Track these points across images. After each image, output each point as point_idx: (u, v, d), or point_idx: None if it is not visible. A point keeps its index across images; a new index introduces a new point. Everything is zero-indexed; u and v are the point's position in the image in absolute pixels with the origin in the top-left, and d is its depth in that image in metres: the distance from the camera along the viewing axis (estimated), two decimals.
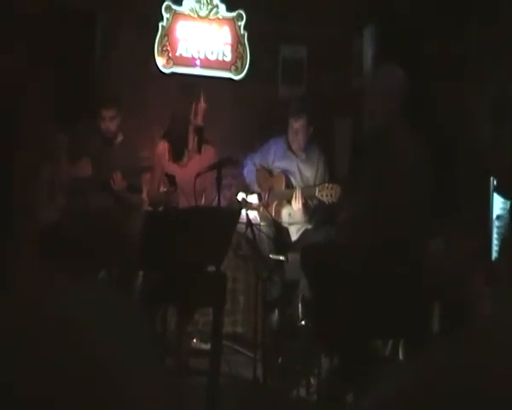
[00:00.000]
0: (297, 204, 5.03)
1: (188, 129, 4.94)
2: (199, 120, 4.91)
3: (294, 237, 5.21)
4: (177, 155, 5.01)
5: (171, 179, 4.68)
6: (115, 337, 0.65)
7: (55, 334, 0.61)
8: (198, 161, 4.85)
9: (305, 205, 5.04)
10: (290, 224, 5.22)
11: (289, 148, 5.38)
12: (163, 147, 5.01)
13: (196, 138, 4.94)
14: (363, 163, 4.13)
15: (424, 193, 3.77)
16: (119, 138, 5.24)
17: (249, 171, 5.46)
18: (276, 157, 5.39)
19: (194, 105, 4.91)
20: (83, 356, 0.61)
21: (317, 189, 4.95)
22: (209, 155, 4.93)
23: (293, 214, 5.19)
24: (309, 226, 5.19)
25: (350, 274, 3.61)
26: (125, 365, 0.63)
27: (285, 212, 5.23)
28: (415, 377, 0.60)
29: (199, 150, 4.94)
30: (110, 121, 5.12)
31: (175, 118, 5.03)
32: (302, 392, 4.30)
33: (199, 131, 4.89)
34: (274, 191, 5.29)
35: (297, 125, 5.26)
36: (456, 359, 0.59)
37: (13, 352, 0.60)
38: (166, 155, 5.00)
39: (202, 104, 4.93)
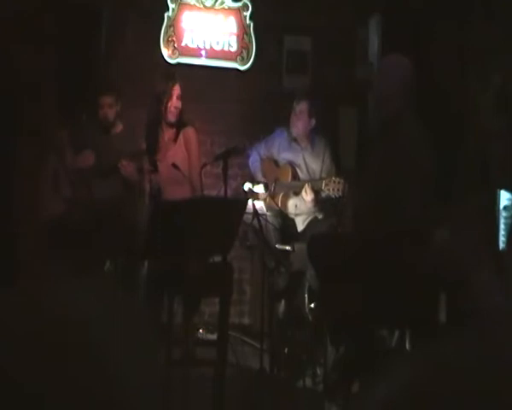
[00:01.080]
0: (307, 197, 5.02)
1: (160, 125, 4.93)
2: (174, 114, 4.87)
3: (301, 227, 5.21)
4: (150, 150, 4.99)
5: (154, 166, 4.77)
6: (118, 332, 0.64)
7: (59, 328, 0.61)
8: (174, 151, 4.89)
9: (315, 197, 5.02)
10: (296, 215, 5.22)
11: (293, 139, 5.36)
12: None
13: (174, 128, 4.94)
14: (369, 153, 4.11)
15: (431, 182, 3.76)
16: (119, 127, 5.22)
17: (254, 161, 5.45)
18: (281, 148, 5.38)
19: (168, 94, 4.86)
20: (85, 351, 0.60)
21: (324, 183, 4.93)
22: (187, 136, 4.94)
23: (299, 205, 5.18)
24: (316, 216, 5.18)
25: (356, 264, 3.60)
26: (127, 358, 0.63)
27: (291, 203, 5.22)
28: (418, 373, 0.59)
29: (175, 140, 4.93)
30: (108, 108, 5.09)
31: (151, 113, 5.01)
32: (308, 382, 4.30)
33: (176, 124, 4.86)
34: (280, 183, 5.28)
35: (299, 107, 5.25)
36: (460, 356, 0.59)
37: (19, 345, 0.60)
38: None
39: (177, 92, 4.89)
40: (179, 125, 4.96)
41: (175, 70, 5.63)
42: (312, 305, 4.64)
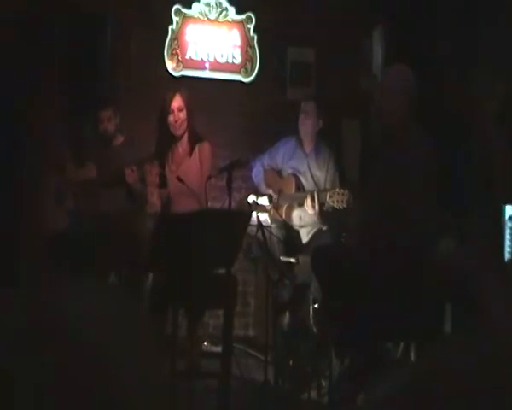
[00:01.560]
0: (312, 208, 5.01)
1: (167, 140, 4.86)
2: (177, 127, 4.78)
3: (305, 239, 5.21)
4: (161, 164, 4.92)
5: (162, 181, 4.72)
6: (121, 337, 0.64)
7: (64, 335, 0.61)
8: (189, 164, 4.83)
9: (319, 209, 5.02)
10: (301, 226, 5.21)
11: (299, 142, 5.38)
12: (153, 169, 4.92)
13: (187, 139, 4.85)
14: (373, 164, 4.11)
15: (435, 191, 3.76)
16: (119, 139, 5.24)
17: (257, 173, 5.46)
18: (286, 158, 5.39)
19: (166, 108, 4.76)
20: (89, 356, 0.60)
21: (328, 194, 4.93)
22: (201, 153, 4.87)
23: (303, 217, 5.18)
24: (321, 228, 5.17)
25: (361, 275, 3.59)
26: (129, 366, 0.63)
27: (296, 214, 5.22)
28: (415, 378, 0.59)
29: (190, 153, 4.86)
30: (107, 122, 5.13)
31: (158, 131, 4.93)
32: (313, 394, 4.29)
33: (185, 136, 4.81)
34: (284, 194, 5.28)
35: (306, 107, 5.29)
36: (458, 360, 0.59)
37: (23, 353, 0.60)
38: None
39: (177, 104, 4.77)
40: (194, 139, 4.85)
41: (177, 82, 5.63)
42: (316, 317, 4.62)
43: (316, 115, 5.28)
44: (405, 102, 3.77)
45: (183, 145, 4.90)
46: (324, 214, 5.07)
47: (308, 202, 4.98)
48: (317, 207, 4.97)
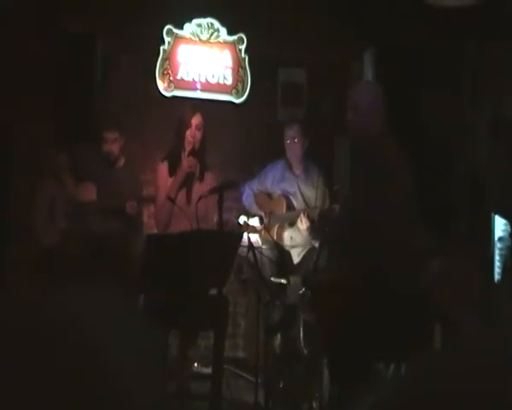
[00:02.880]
0: (303, 225, 5.03)
1: (180, 151, 4.76)
2: (191, 143, 4.67)
3: (296, 259, 5.21)
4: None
5: (172, 202, 4.63)
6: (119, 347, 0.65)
7: (60, 343, 0.61)
8: (199, 187, 4.77)
9: (311, 226, 5.04)
10: (292, 247, 5.23)
11: (288, 165, 5.42)
12: (163, 169, 4.81)
13: (198, 165, 4.77)
14: (350, 178, 4.14)
15: (414, 204, 3.77)
16: (122, 161, 5.25)
17: (247, 196, 5.48)
18: (275, 181, 5.43)
19: (187, 122, 4.68)
20: (85, 363, 0.61)
21: (319, 210, 4.96)
22: (209, 181, 4.83)
23: (294, 237, 5.20)
24: (313, 247, 5.18)
25: (350, 297, 3.59)
26: (128, 373, 0.63)
27: (287, 235, 5.24)
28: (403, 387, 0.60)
29: (200, 177, 4.79)
30: (112, 144, 5.14)
31: (174, 139, 4.83)
32: None
33: (195, 155, 4.70)
34: (275, 214, 5.30)
35: (292, 132, 5.36)
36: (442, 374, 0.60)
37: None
38: (167, 177, 4.75)
39: (196, 122, 4.69)
40: (204, 164, 4.81)
41: (199, 102, 5.62)
42: (307, 338, 4.62)
43: (302, 138, 5.37)
44: (376, 116, 3.81)
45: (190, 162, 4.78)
46: (317, 231, 5.09)
47: (302, 218, 5.02)
48: (308, 223, 5.00)
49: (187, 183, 4.70)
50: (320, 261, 4.85)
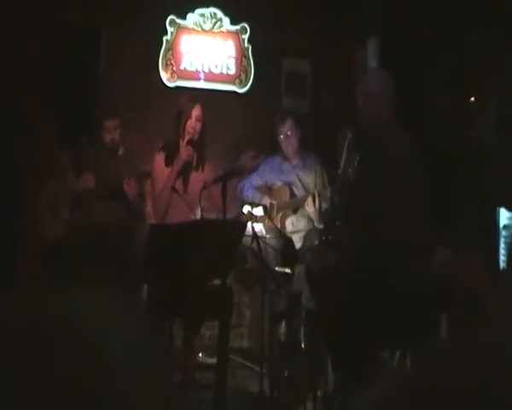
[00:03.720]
0: (310, 207, 5.04)
1: (178, 141, 4.77)
2: (191, 133, 4.70)
3: (298, 244, 5.22)
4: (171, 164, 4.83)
5: (175, 191, 4.63)
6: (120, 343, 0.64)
7: (59, 340, 0.60)
8: (197, 176, 4.78)
9: (320, 208, 5.04)
10: (293, 232, 5.23)
11: (285, 158, 5.43)
12: (159, 159, 4.81)
13: (195, 154, 4.78)
14: (358, 163, 4.14)
15: (421, 193, 3.78)
16: (121, 150, 5.24)
17: (248, 188, 5.49)
18: (274, 174, 5.48)
19: (187, 113, 4.71)
20: (85, 362, 0.60)
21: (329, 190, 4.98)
22: (208, 171, 4.84)
23: (296, 223, 5.23)
24: (312, 228, 5.17)
25: (353, 285, 3.59)
26: (129, 371, 0.62)
27: (289, 221, 5.27)
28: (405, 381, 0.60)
29: (197, 166, 4.80)
30: (114, 131, 5.12)
31: (172, 130, 4.84)
32: (309, 406, 4.27)
33: (194, 145, 4.71)
34: (280, 203, 5.31)
35: (285, 128, 5.36)
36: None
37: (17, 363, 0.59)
38: (163, 167, 4.77)
39: (196, 113, 4.72)
40: (202, 155, 4.83)
41: (199, 93, 5.61)
42: (308, 328, 4.61)
43: (295, 130, 5.37)
44: (387, 102, 3.84)
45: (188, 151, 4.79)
46: (322, 213, 5.09)
47: (309, 201, 5.02)
48: (317, 204, 5.00)
49: (184, 172, 4.72)
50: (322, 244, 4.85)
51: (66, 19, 5.70)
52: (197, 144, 4.73)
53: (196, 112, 4.72)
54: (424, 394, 0.57)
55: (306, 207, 5.09)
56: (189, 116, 4.69)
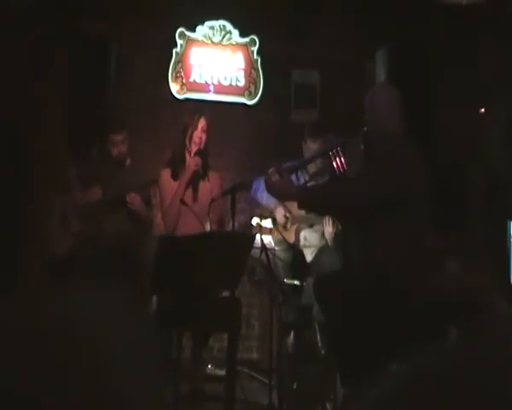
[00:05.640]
0: (331, 228, 5.01)
1: (185, 153, 4.81)
2: (197, 143, 4.76)
3: (309, 258, 5.20)
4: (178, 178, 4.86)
5: (184, 205, 4.64)
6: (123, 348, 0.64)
7: (65, 345, 0.61)
8: (204, 186, 4.81)
9: (336, 228, 5.02)
10: (305, 247, 5.21)
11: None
12: (166, 174, 4.85)
13: (201, 164, 4.82)
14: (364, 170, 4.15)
15: (427, 210, 3.78)
16: (128, 162, 5.26)
17: (264, 191, 5.44)
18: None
19: (193, 125, 4.76)
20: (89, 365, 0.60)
21: None
22: (214, 180, 4.87)
23: (308, 238, 5.18)
24: (325, 245, 5.15)
25: (362, 298, 3.58)
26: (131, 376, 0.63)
27: (302, 235, 5.23)
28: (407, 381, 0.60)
29: (203, 175, 4.83)
30: (121, 144, 5.15)
31: (177, 144, 4.88)
32: None
33: (200, 155, 4.76)
34: (296, 215, 5.29)
35: (315, 146, 5.26)
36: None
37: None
38: (171, 181, 4.80)
39: (202, 124, 4.76)
40: (206, 165, 4.84)
41: (203, 105, 5.63)
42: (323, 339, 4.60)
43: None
44: (393, 117, 3.87)
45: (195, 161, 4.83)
46: (338, 235, 5.07)
47: (328, 221, 5.00)
48: (335, 227, 4.98)
49: (193, 182, 4.75)
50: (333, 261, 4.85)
51: (78, 31, 5.73)
52: (203, 154, 4.77)
53: (202, 123, 4.77)
54: (424, 396, 0.58)
55: (325, 226, 5.06)
56: (196, 128, 4.74)
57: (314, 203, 3.90)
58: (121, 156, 5.17)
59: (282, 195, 4.04)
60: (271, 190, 3.95)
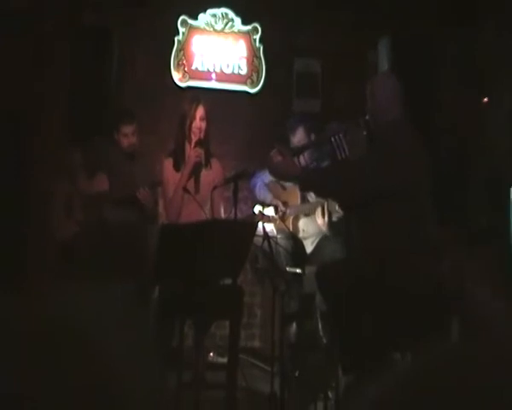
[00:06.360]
0: (321, 219, 5.02)
1: (185, 144, 4.78)
2: (197, 134, 4.74)
3: (309, 248, 5.20)
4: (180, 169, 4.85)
5: (187, 192, 4.64)
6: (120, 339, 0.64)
7: (65, 339, 0.61)
8: (207, 174, 4.79)
9: (329, 220, 5.02)
10: (304, 237, 5.22)
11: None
12: (169, 164, 4.81)
13: (203, 153, 4.80)
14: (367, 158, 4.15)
15: (428, 198, 3.79)
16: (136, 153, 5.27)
17: (260, 187, 5.46)
18: None
19: (191, 115, 4.71)
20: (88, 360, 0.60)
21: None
22: (216, 168, 4.85)
23: (306, 228, 5.19)
24: (325, 236, 5.16)
25: (364, 288, 3.59)
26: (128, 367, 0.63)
27: (300, 225, 5.24)
28: (411, 375, 0.60)
29: (206, 164, 4.81)
30: (132, 136, 5.16)
31: (177, 134, 4.85)
32: (320, 406, 4.27)
33: (201, 145, 4.72)
34: (292, 205, 5.29)
35: (296, 138, 5.26)
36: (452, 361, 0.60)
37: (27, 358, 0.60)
38: (173, 171, 4.76)
39: (200, 113, 4.71)
40: (208, 152, 4.81)
41: (199, 93, 5.62)
42: (326, 327, 4.61)
43: (308, 140, 5.28)
44: (394, 106, 3.88)
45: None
46: (331, 224, 5.07)
47: (319, 212, 5.00)
48: (326, 217, 4.98)
49: (195, 172, 4.73)
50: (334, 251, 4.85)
51: (80, 20, 5.72)
52: (204, 143, 4.74)
53: (199, 112, 4.72)
54: (425, 393, 0.58)
55: (317, 216, 5.07)
56: (194, 118, 4.69)
57: (316, 184, 3.93)
58: (131, 148, 5.18)
59: (284, 174, 4.05)
60: (274, 170, 3.96)
